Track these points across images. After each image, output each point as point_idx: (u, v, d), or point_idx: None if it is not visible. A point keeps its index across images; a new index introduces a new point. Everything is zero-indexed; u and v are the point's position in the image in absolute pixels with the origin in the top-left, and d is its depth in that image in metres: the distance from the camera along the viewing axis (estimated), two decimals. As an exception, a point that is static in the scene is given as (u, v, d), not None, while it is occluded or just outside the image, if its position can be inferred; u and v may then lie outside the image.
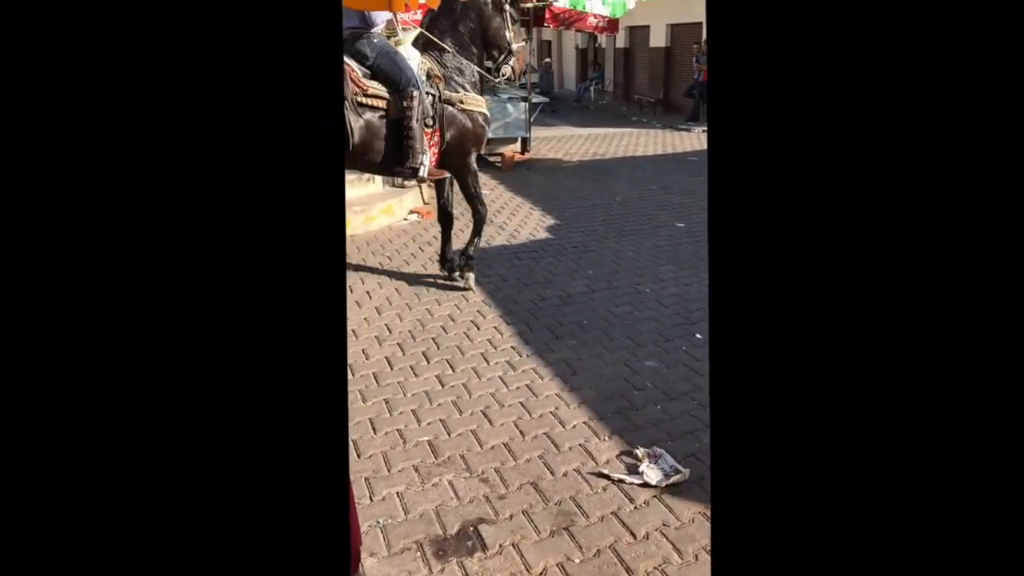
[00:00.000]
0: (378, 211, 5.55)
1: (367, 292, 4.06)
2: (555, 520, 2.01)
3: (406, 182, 4.49)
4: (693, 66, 11.58)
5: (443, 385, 2.88)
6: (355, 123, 3.40)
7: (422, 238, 5.09)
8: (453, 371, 3.01)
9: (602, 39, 15.50)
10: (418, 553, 1.90)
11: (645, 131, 10.89)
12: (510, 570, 1.82)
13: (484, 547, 1.91)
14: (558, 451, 2.36)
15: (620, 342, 3.21)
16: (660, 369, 2.94)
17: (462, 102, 3.70)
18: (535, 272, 4.30)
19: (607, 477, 2.19)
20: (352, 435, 2.52)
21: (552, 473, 2.24)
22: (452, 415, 2.64)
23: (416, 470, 2.29)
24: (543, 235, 5.15)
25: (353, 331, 3.49)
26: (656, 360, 3.02)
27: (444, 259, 4.11)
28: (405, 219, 5.70)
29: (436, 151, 3.64)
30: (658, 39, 13.64)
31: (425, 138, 3.51)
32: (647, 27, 13.71)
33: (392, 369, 3.05)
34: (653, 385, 2.80)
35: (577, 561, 1.85)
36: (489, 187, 6.89)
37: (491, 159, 8.05)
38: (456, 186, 4.01)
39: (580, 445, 2.39)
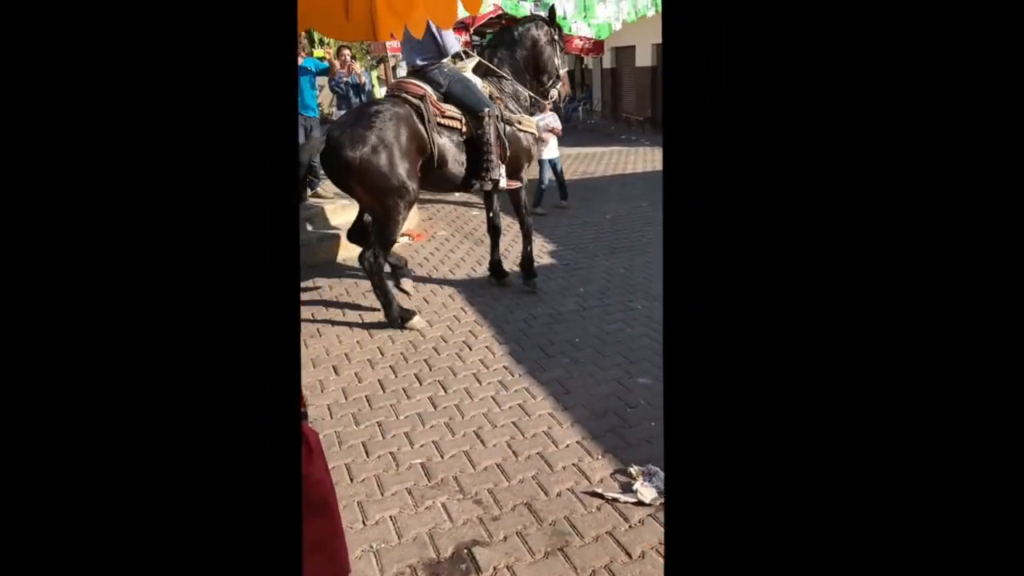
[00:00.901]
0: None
1: (359, 315, 4.06)
2: (549, 541, 2.00)
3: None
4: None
5: (436, 407, 2.87)
6: (437, 142, 3.68)
7: (413, 260, 5.10)
8: (446, 392, 2.99)
9: (589, 60, 15.70)
10: (412, 578, 1.88)
11: (633, 149, 10.99)
12: (505, 593, 1.80)
13: (478, 570, 1.89)
14: (552, 471, 2.35)
15: (613, 360, 3.22)
16: (653, 386, 2.94)
17: (520, 122, 4.00)
18: (527, 292, 4.30)
19: (601, 496, 2.18)
20: (345, 459, 2.50)
21: (546, 493, 2.23)
22: (445, 437, 2.62)
23: (409, 493, 2.28)
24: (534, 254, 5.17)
25: (346, 354, 3.48)
26: (649, 377, 3.02)
27: (493, 267, 4.43)
28: (396, 241, 5.70)
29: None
30: (644, 59, 13.83)
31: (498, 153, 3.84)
32: (632, 47, 13.90)
33: (385, 392, 3.04)
34: (646, 402, 2.79)
35: (573, 582, 1.83)
36: (477, 208, 6.93)
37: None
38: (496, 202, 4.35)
39: (574, 464, 2.38)
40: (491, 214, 4.34)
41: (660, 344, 3.38)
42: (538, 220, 5.59)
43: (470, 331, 3.69)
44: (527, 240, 4.27)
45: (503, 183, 3.91)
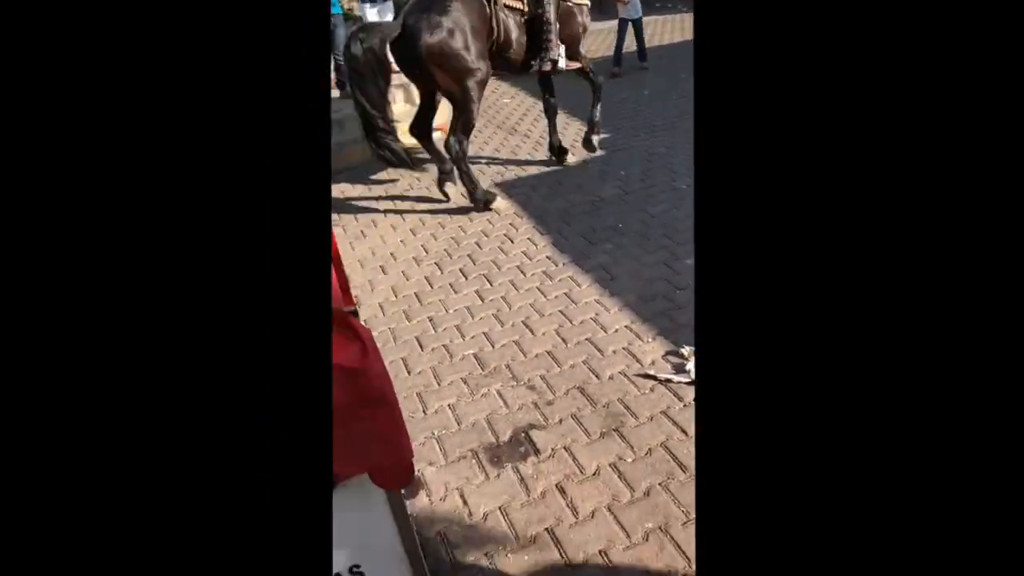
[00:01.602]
0: (403, 130, 5.44)
1: (400, 215, 4.05)
2: (604, 422, 2.05)
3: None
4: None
5: (483, 300, 2.90)
6: (503, 23, 3.70)
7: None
8: (491, 285, 3.02)
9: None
10: (474, 461, 1.98)
11: (670, 17, 10.24)
12: (564, 472, 1.89)
13: (536, 451, 1.98)
14: (602, 356, 2.38)
15: (658, 242, 3.16)
16: (700, 266, 2.89)
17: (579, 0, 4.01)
18: (565, 178, 4.20)
19: (653, 378, 2.21)
20: (401, 353, 2.58)
21: (598, 377, 2.27)
22: (495, 328, 2.67)
23: (465, 382, 2.35)
24: (569, 138, 5.00)
25: (391, 254, 3.51)
26: (696, 258, 2.97)
27: (552, 147, 4.47)
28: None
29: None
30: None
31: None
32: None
33: (432, 288, 3.08)
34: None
35: (630, 460, 1.90)
36: (509, 94, 6.66)
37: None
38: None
39: (624, 348, 2.41)
40: (546, 95, 4.35)
41: (707, 224, 3.29)
42: (571, 100, 5.35)
43: (511, 224, 3.65)
44: (597, 98, 4.33)
45: (562, 63, 3.92)
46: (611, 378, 2.26)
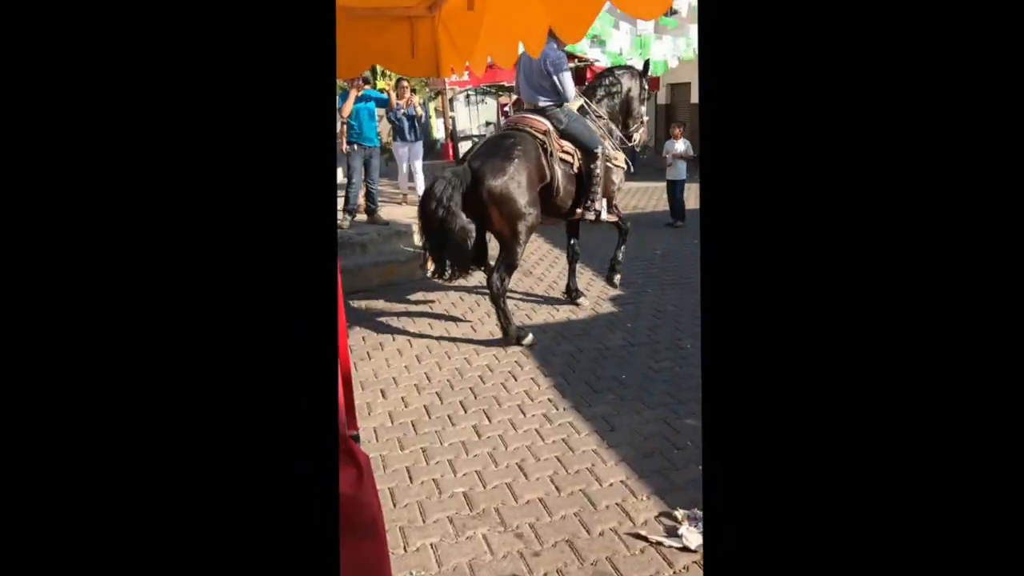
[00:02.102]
0: (421, 262, 5.67)
1: (408, 340, 4.11)
2: (591, 582, 1.96)
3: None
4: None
5: (479, 436, 2.87)
6: (556, 173, 4.03)
7: (462, 288, 5.16)
8: (490, 422, 3.00)
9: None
10: (450, 609, 1.87)
11: (688, 186, 10.92)
12: (544, 632, 1.77)
13: (517, 606, 1.87)
14: (595, 509, 2.32)
15: (660, 399, 3.16)
16: (701, 428, 2.87)
17: (615, 159, 4.41)
18: (572, 323, 4.30)
19: (645, 539, 2.14)
20: (389, 483, 2.52)
21: (588, 532, 2.19)
22: (488, 467, 2.62)
23: (451, 522, 2.27)
24: (581, 286, 5.17)
25: (394, 378, 3.53)
26: (697, 418, 2.95)
27: (569, 288, 4.75)
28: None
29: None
30: (699, 96, 13.81)
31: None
32: (688, 84, 13.90)
33: (430, 418, 3.06)
34: (694, 444, 2.73)
35: (613, 627, 1.79)
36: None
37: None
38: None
39: (617, 504, 2.34)
40: (572, 241, 4.68)
41: (709, 385, 3.31)
42: (585, 251, 5.60)
43: (516, 361, 3.69)
44: (622, 240, 4.64)
45: (604, 215, 4.29)
46: (602, 534, 2.18)
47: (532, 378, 3.46)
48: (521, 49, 2.36)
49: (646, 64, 4.89)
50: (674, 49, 9.91)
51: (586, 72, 9.21)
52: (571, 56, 8.56)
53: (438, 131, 11.56)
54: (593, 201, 4.18)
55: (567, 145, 4.10)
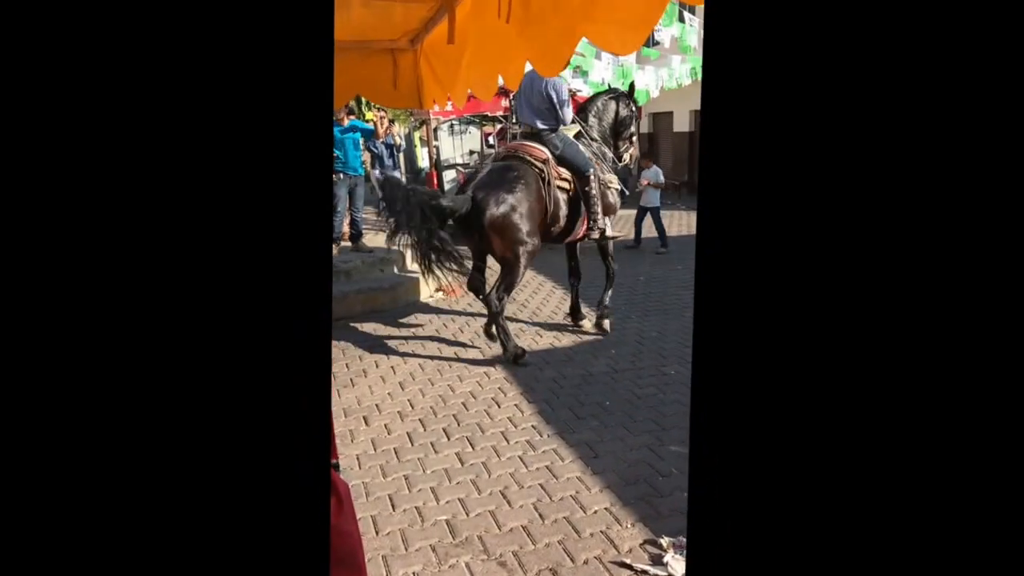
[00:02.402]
0: (404, 289, 5.67)
1: (391, 367, 4.09)
2: (575, 611, 1.93)
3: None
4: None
5: (462, 463, 2.84)
6: (555, 200, 4.18)
7: (447, 314, 5.15)
8: (473, 449, 2.97)
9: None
10: (432, 641, 1.83)
11: (670, 213, 11.05)
12: (527, 664, 1.74)
13: (501, 638, 1.84)
14: (579, 537, 2.30)
15: (644, 425, 3.16)
16: (686, 454, 2.87)
17: (611, 182, 4.53)
18: (556, 350, 4.30)
19: (630, 567, 2.12)
20: (371, 511, 2.48)
21: (572, 560, 2.17)
22: (471, 494, 2.59)
23: (433, 550, 2.24)
24: (564, 313, 5.19)
25: (376, 406, 3.49)
26: (682, 445, 2.95)
27: (574, 311, 4.79)
28: (431, 297, 5.79)
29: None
30: (682, 124, 14.06)
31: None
32: (670, 113, 14.16)
33: (413, 445, 3.03)
34: (679, 471, 2.73)
35: (598, 657, 1.76)
36: (514, 265, 6.99)
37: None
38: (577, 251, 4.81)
39: (602, 532, 2.32)
40: (573, 262, 4.76)
41: (693, 411, 3.32)
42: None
43: (499, 388, 3.68)
44: (610, 284, 4.69)
45: (610, 231, 4.44)
46: (586, 562, 2.16)
47: (516, 404, 3.44)
48: (501, 82, 2.40)
49: (631, 87, 5.10)
50: (656, 79, 10.13)
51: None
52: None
53: (423, 160, 11.63)
54: (596, 220, 4.33)
55: (564, 172, 4.25)
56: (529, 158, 4.14)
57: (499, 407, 3.42)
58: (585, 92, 9.98)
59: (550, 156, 4.18)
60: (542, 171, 4.10)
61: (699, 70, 10.08)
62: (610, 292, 4.68)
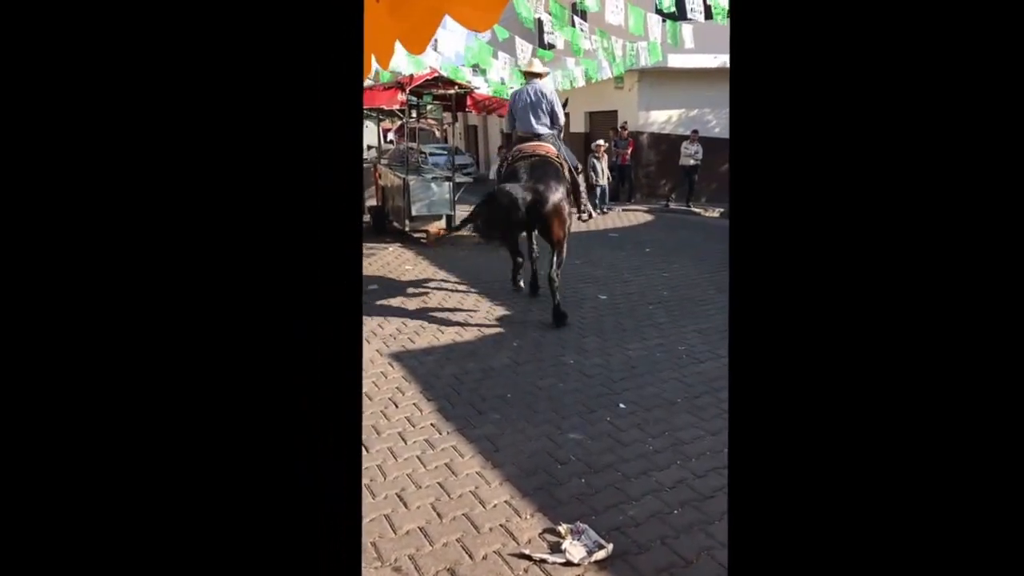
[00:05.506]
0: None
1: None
2: (473, 610, 1.86)
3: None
4: (612, 150, 12.21)
5: (357, 467, 2.70)
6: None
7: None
8: (367, 452, 2.84)
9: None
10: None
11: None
12: (422, 671, 1.65)
13: (394, 646, 1.73)
14: (478, 532, 2.23)
15: (544, 415, 3.14)
16: (584, 441, 2.87)
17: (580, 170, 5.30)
18: (458, 345, 4.22)
19: (528, 558, 2.07)
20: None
21: (471, 557, 2.10)
22: (365, 500, 2.46)
23: (322, 562, 2.09)
24: (467, 308, 5.11)
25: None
26: (580, 432, 2.96)
27: (515, 280, 5.61)
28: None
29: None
30: (577, 125, 14.38)
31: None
32: (567, 114, 14.46)
33: (302, 452, 2.85)
34: (577, 458, 2.72)
35: (495, 655, 1.69)
36: (412, 263, 6.86)
37: (416, 235, 8.06)
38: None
39: (501, 525, 2.26)
40: (534, 254, 5.47)
41: (591, 399, 3.35)
42: (470, 275, 5.57)
43: (397, 387, 3.55)
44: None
45: (595, 213, 5.58)
46: (485, 558, 2.09)
47: (415, 404, 3.33)
48: (403, 68, 2.36)
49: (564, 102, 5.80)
50: (552, 80, 10.27)
51: (466, 99, 9.29)
52: (452, 83, 8.65)
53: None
54: (583, 206, 5.27)
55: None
56: (548, 155, 4.76)
57: (397, 407, 3.30)
58: (484, 90, 9.98)
59: (558, 153, 4.86)
60: (561, 165, 4.76)
61: (592, 72, 10.34)
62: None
